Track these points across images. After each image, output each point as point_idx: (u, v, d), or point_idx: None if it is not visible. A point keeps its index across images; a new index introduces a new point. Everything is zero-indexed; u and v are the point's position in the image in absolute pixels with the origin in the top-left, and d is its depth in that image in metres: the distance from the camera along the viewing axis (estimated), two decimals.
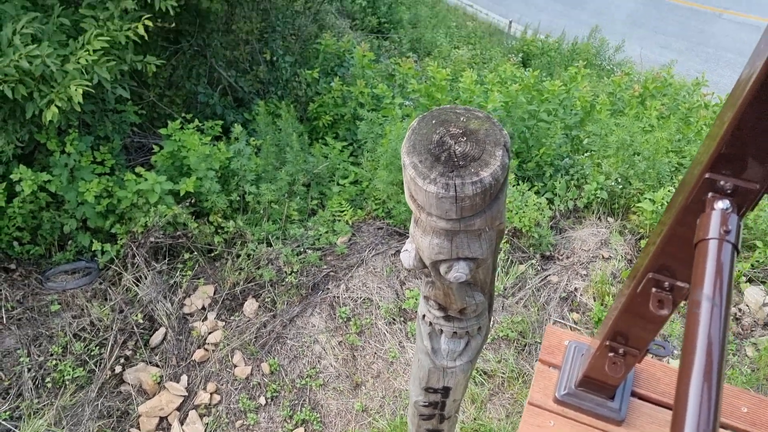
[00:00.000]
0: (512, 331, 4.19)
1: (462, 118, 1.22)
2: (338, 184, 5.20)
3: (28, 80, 3.54)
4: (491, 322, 4.27)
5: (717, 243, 0.80)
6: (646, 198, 4.85)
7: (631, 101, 6.46)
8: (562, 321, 4.35)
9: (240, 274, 4.39)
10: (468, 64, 9.56)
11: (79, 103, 3.53)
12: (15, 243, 4.29)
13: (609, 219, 5.18)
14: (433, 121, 1.21)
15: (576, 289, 4.58)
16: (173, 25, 4.47)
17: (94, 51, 3.62)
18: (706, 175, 0.96)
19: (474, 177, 1.11)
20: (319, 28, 8.24)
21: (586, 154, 5.41)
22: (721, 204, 0.91)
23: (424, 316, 1.68)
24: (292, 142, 5.07)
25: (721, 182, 0.95)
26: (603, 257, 4.82)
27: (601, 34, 11.79)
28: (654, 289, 1.27)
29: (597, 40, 11.54)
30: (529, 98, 5.54)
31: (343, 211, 4.94)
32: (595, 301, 4.46)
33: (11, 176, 3.96)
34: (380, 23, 11.81)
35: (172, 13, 4.11)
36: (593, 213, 5.20)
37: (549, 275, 4.67)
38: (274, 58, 6.36)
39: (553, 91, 5.46)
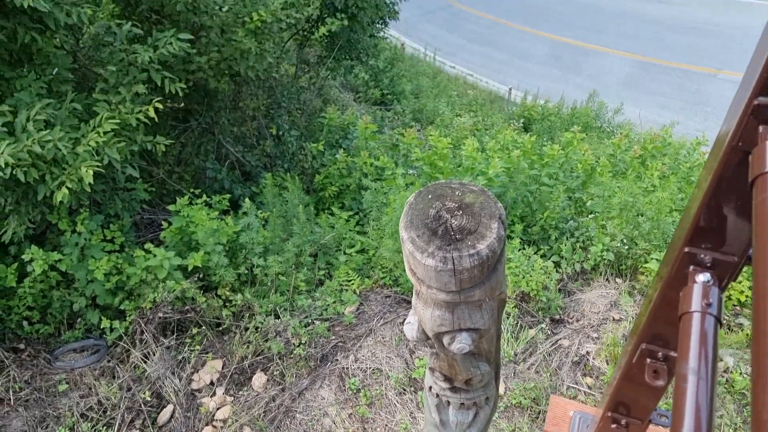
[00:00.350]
0: (525, 398, 4.11)
1: (457, 192, 1.26)
2: (345, 253, 5.24)
3: (41, 163, 3.65)
4: (503, 390, 4.20)
5: (700, 316, 0.82)
6: (652, 258, 4.84)
7: (632, 162, 6.55)
8: (575, 386, 4.27)
9: (248, 347, 4.37)
10: (470, 131, 9.76)
11: (89, 183, 3.62)
12: (25, 322, 4.31)
13: (617, 280, 5.16)
14: (429, 196, 1.25)
15: (588, 352, 4.52)
16: (182, 105, 4.64)
17: (105, 133, 3.75)
18: (686, 249, 0.97)
19: (471, 250, 1.14)
20: (323, 102, 8.49)
21: (590, 216, 5.45)
22: (702, 277, 0.92)
23: (430, 387, 1.67)
24: (299, 213, 5.14)
25: (701, 255, 0.96)
26: (613, 319, 4.77)
27: (599, 97, 12.07)
28: (648, 360, 1.27)
29: (595, 103, 11.80)
30: (530, 163, 5.63)
31: (350, 281, 4.95)
32: (608, 364, 4.39)
33: (23, 257, 4.02)
34: (383, 95, 12.15)
35: (181, 94, 4.27)
36: (601, 274, 5.19)
37: (560, 339, 4.62)
38: (281, 133, 6.53)
39: (552, 156, 5.56)
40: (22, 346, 4.37)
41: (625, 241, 5.11)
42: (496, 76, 16.47)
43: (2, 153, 3.40)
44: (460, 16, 22.60)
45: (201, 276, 4.49)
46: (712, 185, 0.87)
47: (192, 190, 5.32)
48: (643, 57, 16.46)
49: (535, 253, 5.00)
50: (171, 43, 4.23)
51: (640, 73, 15.42)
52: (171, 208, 4.78)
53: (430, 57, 17.42)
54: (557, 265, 5.18)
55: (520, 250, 4.91)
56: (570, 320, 4.83)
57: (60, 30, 3.93)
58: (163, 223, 4.87)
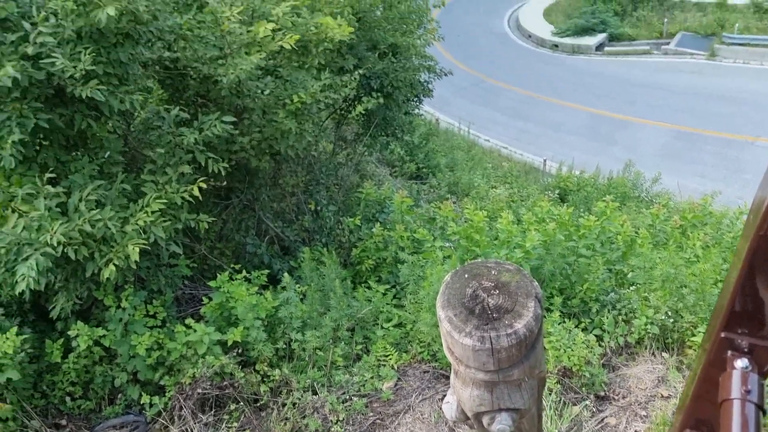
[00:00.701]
0: None
1: (493, 272, 1.28)
2: (382, 327, 5.22)
3: (90, 242, 3.80)
4: None
5: (740, 403, 0.79)
6: (699, 332, 4.69)
7: (673, 233, 6.45)
8: None
9: (285, 424, 4.32)
10: (506, 202, 9.80)
11: (135, 261, 3.75)
12: (67, 398, 4.37)
13: (664, 354, 4.99)
14: (466, 276, 1.28)
15: (636, 431, 4.33)
16: (224, 183, 4.81)
17: (152, 212, 3.91)
18: (722, 335, 0.94)
19: (508, 329, 1.15)
20: (360, 177, 8.69)
21: (631, 288, 5.34)
22: (740, 363, 0.89)
23: None
24: (336, 287, 5.18)
25: (738, 341, 0.92)
26: (662, 396, 4.59)
27: (635, 167, 12.04)
28: None
29: (632, 173, 11.76)
30: (567, 235, 5.60)
31: (387, 355, 4.90)
32: None
33: (69, 332, 4.12)
34: (419, 169, 12.36)
35: (223, 173, 4.44)
36: (646, 348, 5.03)
37: (606, 417, 4.45)
38: (319, 208, 6.67)
39: (589, 227, 5.53)
40: (63, 422, 4.41)
41: (669, 313, 4.98)
42: (531, 148, 16.64)
43: (55, 232, 3.56)
44: (493, 91, 23.12)
45: (240, 351, 4.52)
46: (744, 269, 0.85)
47: (232, 265, 5.42)
48: (679, 126, 16.45)
49: (576, 326, 4.89)
50: (215, 126, 4.44)
51: (677, 143, 15.38)
52: (212, 284, 4.88)
53: (464, 131, 17.75)
54: (599, 338, 5.05)
55: (560, 323, 4.81)
56: (616, 397, 4.65)
57: (114, 116, 4.18)
58: (203, 298, 4.95)
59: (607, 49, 28.83)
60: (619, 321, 5.13)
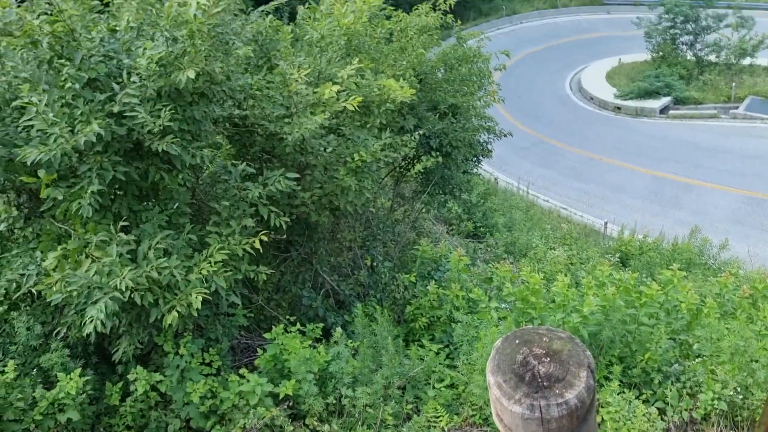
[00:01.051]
0: None
1: (545, 339, 1.29)
2: (434, 387, 5.14)
3: (156, 288, 3.96)
4: None
5: None
6: None
7: (742, 303, 6.16)
8: None
9: None
10: (565, 265, 9.61)
11: (196, 309, 3.87)
12: None
13: None
14: (517, 341, 1.29)
15: None
16: (284, 236, 4.95)
17: (215, 263, 4.05)
18: None
19: (559, 398, 1.14)
20: (417, 235, 8.74)
21: (697, 360, 5.10)
22: None
23: None
24: (388, 345, 5.16)
25: None
26: None
27: (702, 233, 11.64)
28: None
29: (698, 239, 11.37)
30: (628, 301, 5.43)
31: (438, 417, 4.81)
32: None
33: (128, 376, 4.25)
34: (476, 227, 12.32)
35: (284, 227, 4.58)
36: (713, 426, 4.75)
37: None
38: (374, 264, 6.73)
39: (651, 296, 5.35)
40: None
41: (738, 389, 4.71)
42: (592, 210, 16.35)
43: (124, 277, 3.74)
44: (553, 151, 23.02)
45: (291, 404, 4.53)
46: None
47: (288, 317, 5.51)
48: (750, 192, 15.89)
49: (636, 397, 4.69)
50: (279, 181, 4.61)
51: (747, 209, 14.83)
52: (267, 335, 4.96)
53: (523, 191, 17.66)
54: (662, 412, 4.81)
55: (619, 393, 4.63)
56: None
57: (185, 169, 4.41)
58: (258, 349, 5.03)
59: (672, 112, 28.38)
60: (683, 394, 4.89)
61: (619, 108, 29.61)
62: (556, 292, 5.28)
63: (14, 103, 3.90)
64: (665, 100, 28.84)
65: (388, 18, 8.01)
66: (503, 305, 5.92)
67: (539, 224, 13.81)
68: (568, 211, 16.51)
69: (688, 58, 31.75)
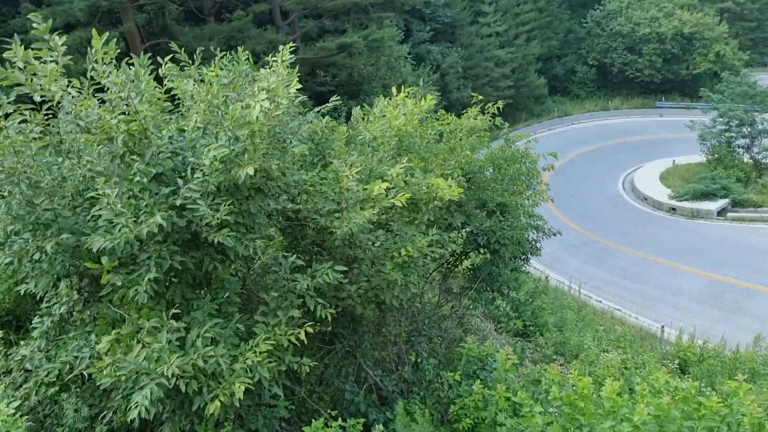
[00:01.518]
0: None
1: None
2: None
3: (201, 376, 4.02)
4: None
5: None
6: None
7: None
8: None
9: None
10: (618, 369, 9.24)
11: (239, 398, 3.89)
12: None
13: None
14: None
15: None
16: (329, 328, 4.99)
17: (261, 353, 4.11)
18: None
19: None
20: (464, 332, 8.62)
21: None
22: None
23: None
24: None
25: None
26: None
27: (766, 341, 11.06)
28: None
29: (762, 347, 10.79)
30: (687, 412, 5.15)
31: None
32: None
33: None
34: (525, 326, 12.05)
35: (330, 319, 4.63)
36: None
37: None
38: (419, 360, 6.65)
39: (711, 407, 5.07)
40: None
41: None
42: (647, 313, 15.82)
43: (171, 364, 3.83)
44: (605, 251, 22.63)
45: None
46: None
47: (329, 410, 5.44)
48: None
49: None
50: (327, 274, 4.71)
51: None
52: (306, 429, 4.90)
53: (574, 290, 17.29)
54: None
55: None
56: None
57: (237, 260, 4.57)
58: None
59: (730, 214, 27.78)
60: None
61: (674, 209, 29.18)
62: (604, 397, 5.08)
63: (88, 195, 4.19)
64: (723, 202, 28.31)
65: (438, 119, 8.33)
66: (551, 410, 5.70)
67: (591, 325, 13.41)
68: (622, 313, 15.99)
69: (745, 161, 31.40)
